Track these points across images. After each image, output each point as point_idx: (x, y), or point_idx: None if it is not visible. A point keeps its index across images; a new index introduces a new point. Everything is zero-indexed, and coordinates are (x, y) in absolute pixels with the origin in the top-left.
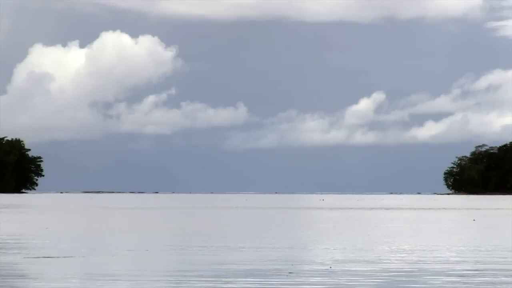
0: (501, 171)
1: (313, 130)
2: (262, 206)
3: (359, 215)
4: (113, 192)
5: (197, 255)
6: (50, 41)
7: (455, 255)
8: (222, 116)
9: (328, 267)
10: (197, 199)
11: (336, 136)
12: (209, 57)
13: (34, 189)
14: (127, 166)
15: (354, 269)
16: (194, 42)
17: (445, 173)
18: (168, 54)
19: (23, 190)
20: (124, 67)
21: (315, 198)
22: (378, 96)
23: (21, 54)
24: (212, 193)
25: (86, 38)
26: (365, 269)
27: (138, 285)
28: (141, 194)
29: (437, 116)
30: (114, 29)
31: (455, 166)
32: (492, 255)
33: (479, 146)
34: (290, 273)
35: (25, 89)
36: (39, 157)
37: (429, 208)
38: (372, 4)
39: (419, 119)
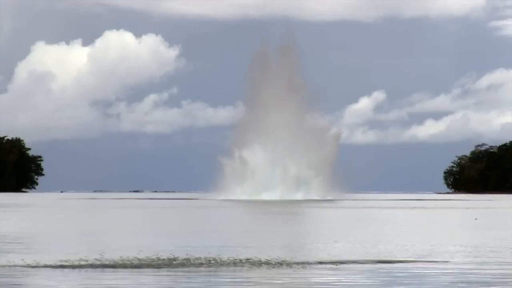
0: (501, 170)
1: None
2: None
3: (360, 214)
4: (113, 191)
5: (198, 255)
6: (52, 39)
7: (457, 255)
8: (222, 116)
9: (334, 266)
10: (196, 199)
11: None
12: (212, 57)
13: (34, 188)
14: (127, 165)
15: (359, 267)
16: (198, 42)
17: (445, 172)
18: (171, 53)
19: (23, 189)
20: (126, 66)
21: None
22: (378, 95)
23: (23, 52)
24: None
25: (89, 36)
26: (370, 267)
27: (138, 286)
28: (141, 194)
29: (437, 115)
30: (117, 28)
31: (455, 165)
32: (496, 254)
33: (479, 145)
34: (294, 271)
35: (26, 88)
36: (39, 156)
37: (430, 207)
38: (375, 3)
39: (419, 118)
